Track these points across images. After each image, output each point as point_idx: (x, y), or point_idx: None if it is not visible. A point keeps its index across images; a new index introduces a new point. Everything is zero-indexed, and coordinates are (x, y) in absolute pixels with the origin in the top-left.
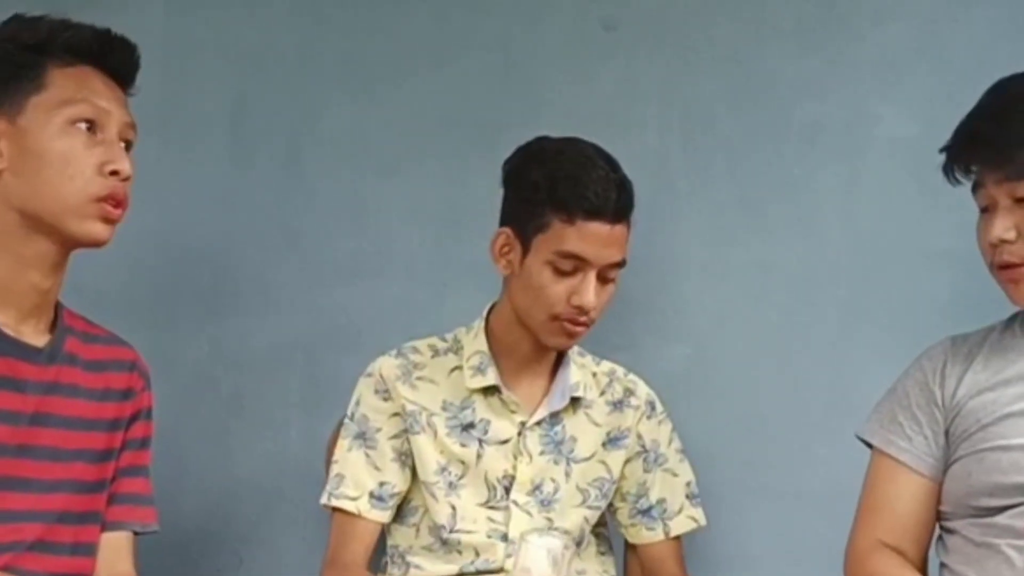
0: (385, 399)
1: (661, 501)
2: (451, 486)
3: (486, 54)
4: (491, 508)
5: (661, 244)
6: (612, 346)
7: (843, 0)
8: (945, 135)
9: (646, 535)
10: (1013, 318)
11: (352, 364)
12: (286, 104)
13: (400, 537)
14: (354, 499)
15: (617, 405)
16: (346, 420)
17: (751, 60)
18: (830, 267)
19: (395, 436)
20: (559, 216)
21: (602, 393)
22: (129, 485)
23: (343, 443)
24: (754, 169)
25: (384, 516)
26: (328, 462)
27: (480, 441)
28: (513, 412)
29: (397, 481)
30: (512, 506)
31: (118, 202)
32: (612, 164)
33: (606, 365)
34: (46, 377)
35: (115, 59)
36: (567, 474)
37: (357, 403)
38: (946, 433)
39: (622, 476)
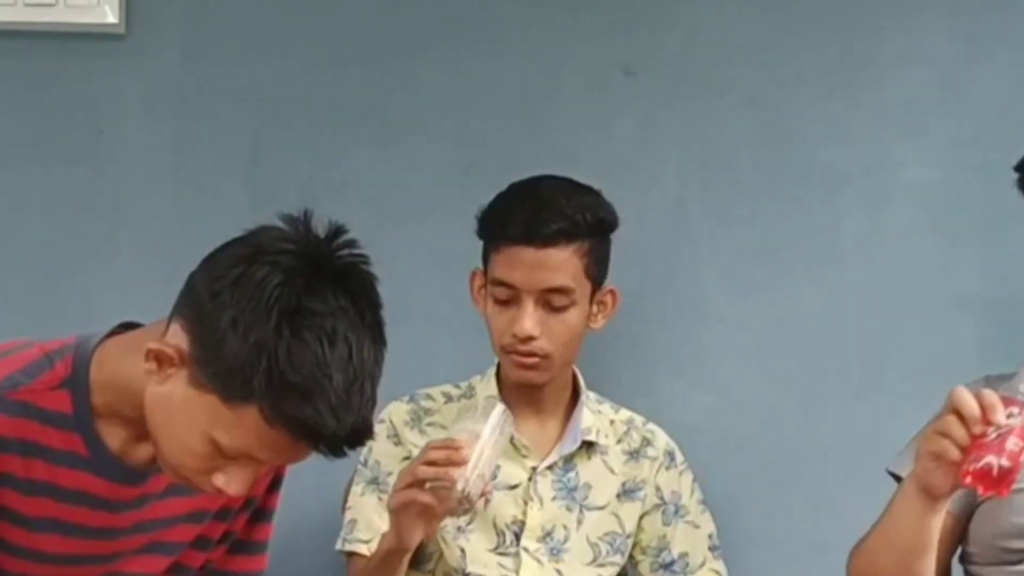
0: (395, 444)
1: (684, 555)
2: (459, 530)
3: (504, 99)
4: (501, 554)
5: (681, 291)
6: (631, 393)
7: (865, 44)
8: (969, 179)
9: None
10: None
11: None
12: (303, 151)
13: None
14: (366, 542)
15: (634, 455)
16: (359, 466)
17: (772, 105)
18: (853, 314)
19: None
20: (491, 245)
21: (619, 441)
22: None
23: (356, 488)
24: (775, 215)
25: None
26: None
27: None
28: (524, 457)
29: None
30: (523, 553)
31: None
32: (565, 192)
33: (624, 413)
34: (137, 493)
35: (329, 451)
36: (579, 522)
37: (370, 449)
38: None
39: (640, 529)
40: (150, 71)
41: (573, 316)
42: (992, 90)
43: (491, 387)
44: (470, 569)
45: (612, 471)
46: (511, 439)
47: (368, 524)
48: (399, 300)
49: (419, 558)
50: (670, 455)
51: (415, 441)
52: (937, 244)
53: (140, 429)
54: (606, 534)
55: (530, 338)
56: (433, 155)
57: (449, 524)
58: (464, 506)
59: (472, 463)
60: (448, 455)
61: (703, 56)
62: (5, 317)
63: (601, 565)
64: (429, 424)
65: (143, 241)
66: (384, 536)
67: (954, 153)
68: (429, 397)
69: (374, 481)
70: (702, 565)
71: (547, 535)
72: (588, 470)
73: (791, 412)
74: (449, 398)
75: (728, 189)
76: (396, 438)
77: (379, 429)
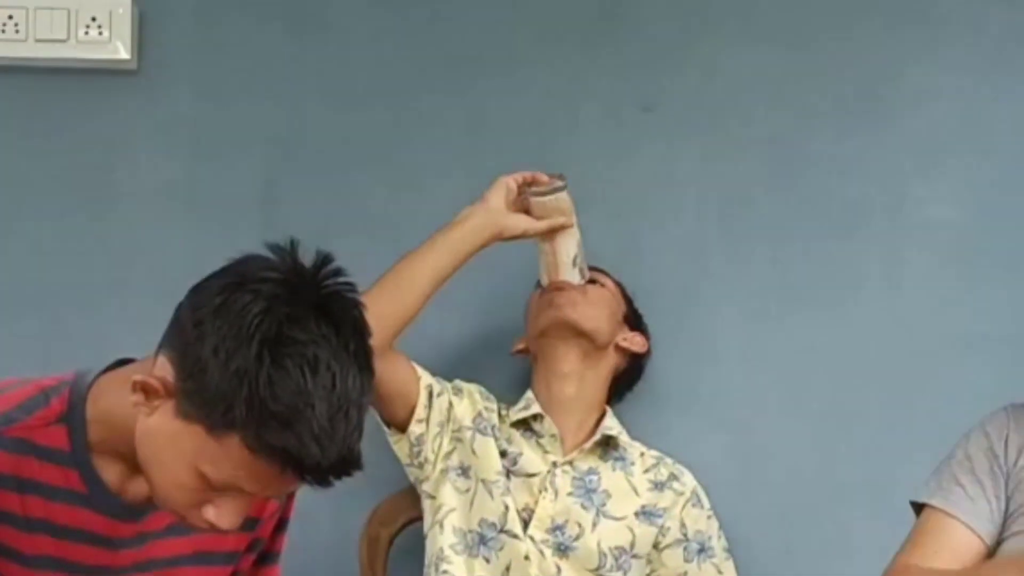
0: (467, 400)
1: None
2: (507, 489)
3: (521, 137)
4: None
5: (699, 329)
6: (649, 432)
7: (883, 81)
8: (988, 217)
9: None
10: None
11: (384, 449)
12: (317, 188)
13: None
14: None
15: (659, 485)
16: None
17: (790, 142)
18: (872, 352)
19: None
20: None
21: (646, 471)
22: None
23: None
24: (793, 253)
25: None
26: (362, 558)
27: (508, 471)
28: (547, 452)
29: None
30: (528, 541)
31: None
32: None
33: (655, 452)
34: (135, 530)
35: (313, 481)
36: (594, 524)
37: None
38: (1006, 502)
39: (661, 564)
40: (162, 107)
41: (608, 290)
42: (1011, 128)
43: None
44: (509, 527)
45: (635, 491)
46: (538, 436)
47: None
48: (413, 339)
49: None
50: (697, 496)
51: (484, 403)
52: (956, 281)
53: (136, 464)
54: (616, 547)
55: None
56: (449, 193)
57: (500, 480)
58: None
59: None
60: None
61: (721, 93)
62: (17, 355)
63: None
64: (488, 402)
65: (155, 279)
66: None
67: (973, 191)
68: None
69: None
70: None
71: (557, 528)
72: (610, 480)
73: (810, 451)
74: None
75: (746, 226)
76: (471, 397)
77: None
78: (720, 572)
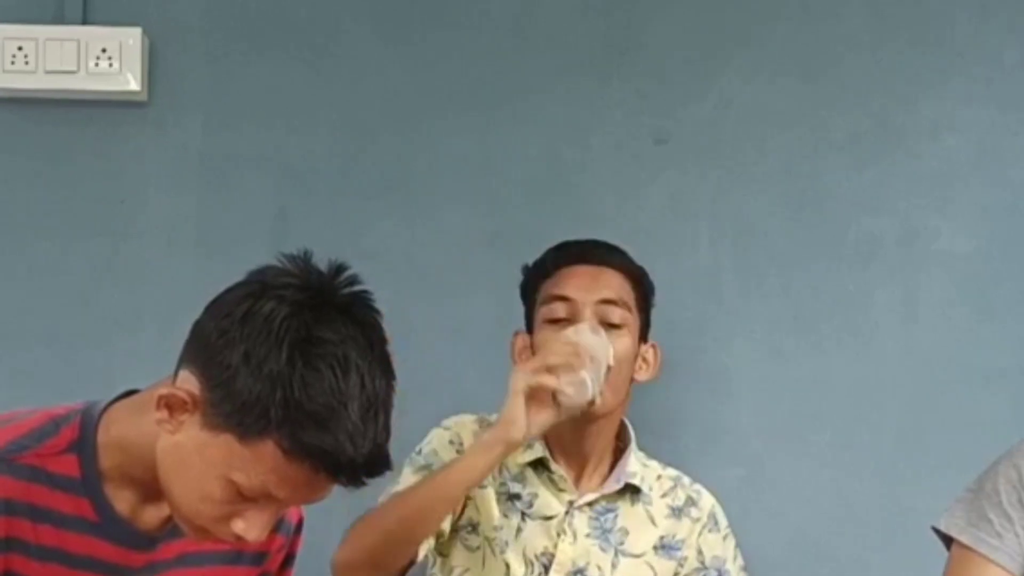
0: (456, 450)
1: None
2: (507, 544)
3: (533, 167)
4: None
5: (713, 362)
6: (663, 464)
7: (898, 113)
8: (1004, 250)
9: None
10: None
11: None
12: (327, 220)
13: None
14: None
15: (676, 512)
16: (413, 454)
17: (805, 174)
18: (886, 386)
19: None
20: (540, 280)
21: (664, 495)
22: None
23: (407, 470)
24: (808, 285)
25: (425, 546)
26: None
27: (523, 514)
28: (562, 491)
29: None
30: None
31: (227, 543)
32: (617, 247)
33: (672, 471)
34: (146, 559)
35: (349, 480)
36: (613, 566)
37: (429, 442)
38: None
39: None
40: (173, 139)
41: (626, 342)
42: None
43: (536, 447)
44: None
45: (653, 522)
46: (550, 473)
47: None
48: (424, 369)
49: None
50: (714, 518)
51: None
52: (971, 314)
53: (149, 491)
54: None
55: None
56: (459, 224)
57: (498, 536)
58: (589, 395)
59: (589, 357)
60: (573, 347)
61: (735, 125)
62: (28, 389)
63: None
64: None
65: (166, 312)
66: (484, 432)
67: (988, 223)
68: (489, 419)
69: (427, 468)
70: None
71: (578, 572)
72: (629, 516)
73: (824, 485)
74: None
75: (760, 259)
76: (459, 445)
77: (442, 434)
78: None
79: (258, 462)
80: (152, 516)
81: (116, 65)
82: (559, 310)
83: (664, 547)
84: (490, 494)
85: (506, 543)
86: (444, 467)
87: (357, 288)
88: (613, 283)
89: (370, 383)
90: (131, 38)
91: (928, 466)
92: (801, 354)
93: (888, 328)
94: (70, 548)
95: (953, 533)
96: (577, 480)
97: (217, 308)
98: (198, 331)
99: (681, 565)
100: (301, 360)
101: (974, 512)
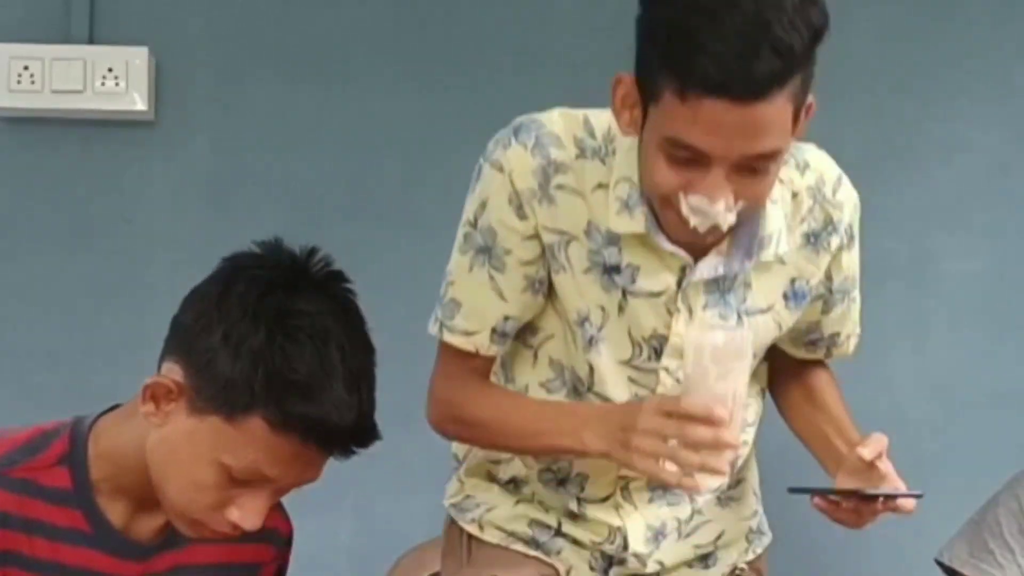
0: (520, 216)
1: (834, 335)
2: (591, 342)
3: None
4: (635, 368)
5: None
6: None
7: (908, 132)
8: (1014, 271)
9: (802, 355)
10: None
11: (405, 501)
12: (335, 242)
13: (515, 357)
14: (472, 335)
15: (813, 240)
16: (465, 225)
17: None
18: (896, 408)
19: (529, 263)
20: (665, 77)
21: (802, 221)
22: None
23: (462, 259)
24: None
25: (503, 350)
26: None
27: (624, 291)
28: (672, 255)
29: (525, 314)
30: (662, 373)
31: (224, 535)
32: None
33: (812, 175)
34: (140, 570)
35: (338, 449)
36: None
37: (484, 205)
38: None
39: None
40: (179, 159)
41: (774, 169)
42: None
43: (630, 164)
44: (598, 388)
45: (782, 260)
46: (657, 242)
47: (476, 310)
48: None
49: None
50: (850, 231)
51: (545, 219)
52: (982, 336)
53: (142, 501)
54: (763, 345)
55: None
56: None
57: (580, 332)
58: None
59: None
60: (715, 435)
61: None
62: (32, 407)
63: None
64: (560, 187)
65: None
66: (576, 424)
67: (999, 244)
68: (558, 142)
69: (486, 252)
70: (847, 338)
71: None
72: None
73: None
74: (582, 150)
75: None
76: (520, 210)
77: (499, 182)
78: (855, 300)
79: (247, 440)
80: (146, 526)
81: (123, 85)
82: (682, 154)
83: (795, 294)
84: (565, 281)
85: (589, 340)
86: (553, 422)
87: (331, 268)
88: (768, 126)
89: (351, 353)
90: (137, 58)
91: (938, 488)
92: None
93: (897, 350)
94: (65, 560)
95: (956, 566)
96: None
97: (192, 297)
98: (176, 323)
99: (811, 299)
100: (280, 334)
101: (976, 544)
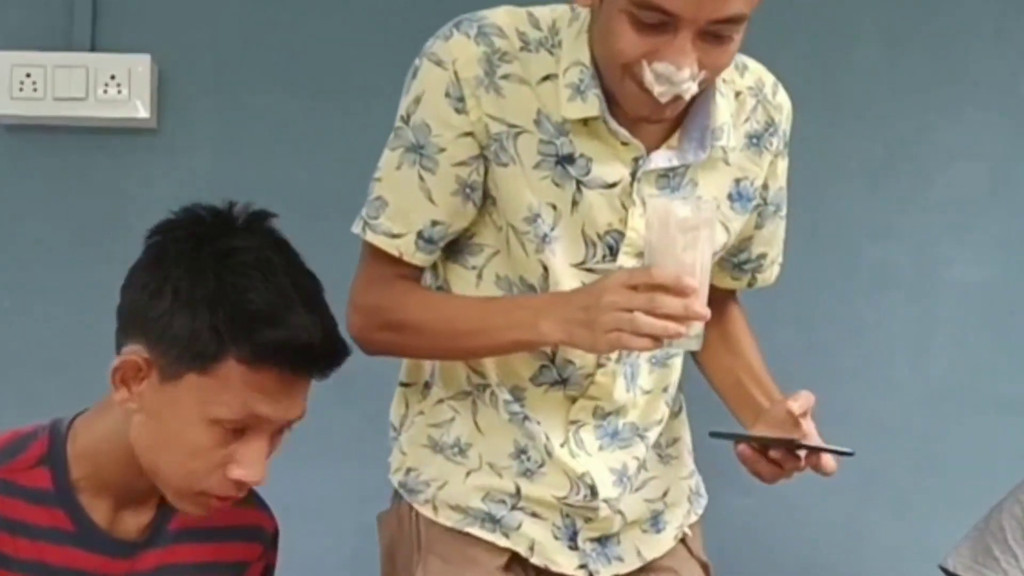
0: (459, 110)
1: (761, 257)
2: (544, 239)
3: None
4: (588, 271)
5: None
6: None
7: (912, 139)
8: (1018, 277)
9: (728, 283)
10: None
11: None
12: (337, 249)
13: (454, 280)
14: (396, 237)
15: (755, 140)
16: (398, 121)
17: (819, 201)
18: (900, 414)
19: (461, 163)
20: None
21: (745, 120)
22: None
23: (392, 155)
24: (821, 313)
25: (429, 259)
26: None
27: (578, 183)
28: (624, 145)
29: (455, 220)
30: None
31: (229, 498)
32: None
33: (752, 76)
34: (125, 568)
35: (315, 368)
36: None
37: (418, 100)
38: None
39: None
40: (182, 167)
41: (737, 39)
42: None
43: (580, 48)
44: (552, 292)
45: (726, 160)
46: (610, 131)
47: (402, 211)
48: None
49: (460, 247)
50: (785, 137)
51: (490, 108)
52: (986, 343)
53: (125, 497)
54: (714, 253)
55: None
56: None
57: (531, 231)
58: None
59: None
60: (685, 304)
61: None
62: (34, 416)
63: None
64: (505, 77)
65: None
66: (529, 313)
67: (1003, 250)
68: (500, 31)
69: (416, 150)
70: (772, 264)
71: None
72: (698, 165)
73: (836, 515)
74: (525, 40)
75: (773, 287)
76: (460, 102)
77: (437, 76)
78: (782, 218)
79: (227, 386)
80: (130, 524)
81: (125, 92)
82: (649, 18)
83: (740, 195)
84: (513, 173)
85: (542, 237)
86: (503, 317)
87: (253, 209)
88: None
89: (299, 279)
90: (140, 65)
91: (942, 495)
92: (814, 382)
93: (901, 356)
94: (48, 559)
95: (960, 572)
96: (640, 127)
97: (129, 279)
98: (122, 309)
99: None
100: (228, 273)
101: (980, 550)
